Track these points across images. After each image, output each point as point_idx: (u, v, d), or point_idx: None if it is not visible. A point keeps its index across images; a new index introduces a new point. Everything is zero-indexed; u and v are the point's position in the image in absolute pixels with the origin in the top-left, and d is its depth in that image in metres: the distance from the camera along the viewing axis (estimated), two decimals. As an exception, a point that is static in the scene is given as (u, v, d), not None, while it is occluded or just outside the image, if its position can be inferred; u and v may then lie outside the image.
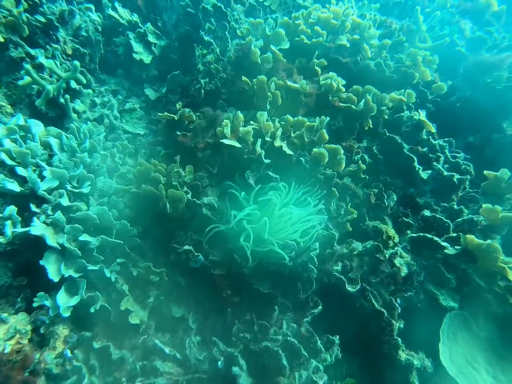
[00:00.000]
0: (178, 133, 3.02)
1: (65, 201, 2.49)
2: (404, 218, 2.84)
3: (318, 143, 2.71)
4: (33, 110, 3.13)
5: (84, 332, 2.60)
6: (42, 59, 2.84)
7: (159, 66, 3.90)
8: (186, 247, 2.71)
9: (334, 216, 2.81)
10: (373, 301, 2.44)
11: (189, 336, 2.66)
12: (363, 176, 2.82)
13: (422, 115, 2.84)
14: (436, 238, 2.48)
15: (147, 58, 3.63)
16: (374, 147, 2.96)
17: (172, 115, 3.01)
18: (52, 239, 2.42)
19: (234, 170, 2.85)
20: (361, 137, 3.07)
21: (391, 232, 2.74)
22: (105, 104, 3.35)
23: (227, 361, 2.29)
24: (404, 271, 2.50)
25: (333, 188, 2.76)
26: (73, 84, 3.22)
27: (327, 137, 2.68)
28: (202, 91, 3.17)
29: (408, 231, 2.85)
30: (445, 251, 2.43)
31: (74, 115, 3.19)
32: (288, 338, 2.23)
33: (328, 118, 2.74)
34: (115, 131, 3.33)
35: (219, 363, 2.29)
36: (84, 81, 3.17)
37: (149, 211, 2.82)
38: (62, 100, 3.10)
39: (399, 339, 2.36)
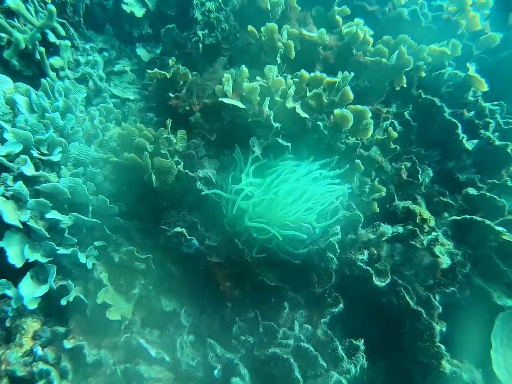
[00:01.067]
0: (170, 95, 2.49)
1: (29, 170, 1.99)
2: (441, 197, 2.29)
3: (340, 104, 2.16)
4: (6, 68, 2.62)
5: (57, 327, 2.12)
6: (8, 1, 2.30)
7: (154, 23, 3.34)
8: (178, 229, 2.21)
9: (357, 194, 2.28)
10: (407, 298, 1.92)
11: (180, 335, 2.17)
12: (393, 146, 2.27)
13: (471, 69, 2.27)
14: (488, 222, 1.94)
15: (139, 12, 3.08)
16: (405, 113, 2.40)
17: (163, 72, 2.47)
18: (12, 216, 1.93)
19: (237, 138, 2.32)
20: (389, 100, 2.51)
21: (426, 214, 2.20)
22: (90, 63, 2.82)
23: (226, 369, 1.81)
24: (446, 261, 1.97)
25: (356, 160, 2.21)
26: (52, 38, 2.70)
27: (351, 96, 2.13)
28: (200, 45, 2.62)
29: (445, 214, 2.31)
30: (503, 237, 1.89)
31: (53, 74, 2.67)
32: (302, 343, 1.73)
33: (352, 74, 2.18)
34: (100, 94, 2.81)
35: (216, 371, 1.80)
36: (63, 32, 2.64)
37: (134, 186, 2.32)
38: (38, 55, 2.58)
39: (442, 347, 1.84)
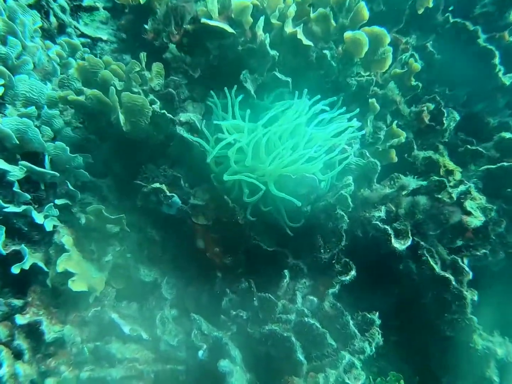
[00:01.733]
0: (146, 27, 2.02)
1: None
2: (468, 146, 1.90)
3: (352, 28, 1.71)
4: None
5: (13, 299, 1.76)
6: None
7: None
8: (156, 184, 1.81)
9: (370, 142, 1.88)
10: (432, 263, 1.56)
11: (161, 309, 1.82)
12: (414, 83, 1.85)
13: (515, -19, 1.82)
14: (533, 170, 1.56)
15: None
16: (428, 44, 1.96)
17: (136, -4, 2.00)
18: None
19: (225, 75, 1.89)
20: (407, 31, 2.07)
21: (451, 165, 1.81)
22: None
23: (213, 349, 1.46)
24: (478, 218, 1.60)
25: (370, 99, 1.80)
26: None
27: (366, 14, 1.69)
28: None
29: (472, 166, 1.92)
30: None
31: None
32: (305, 318, 1.38)
33: (367, -10, 1.73)
34: (64, 30, 2.33)
35: (201, 352, 1.46)
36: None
37: (104, 134, 1.90)
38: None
39: (475, 319, 1.50)
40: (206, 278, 2.01)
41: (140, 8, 2.07)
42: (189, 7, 1.86)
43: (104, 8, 2.71)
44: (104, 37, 2.54)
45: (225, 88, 1.74)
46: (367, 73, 1.82)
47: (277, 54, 1.72)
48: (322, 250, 1.71)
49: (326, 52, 1.73)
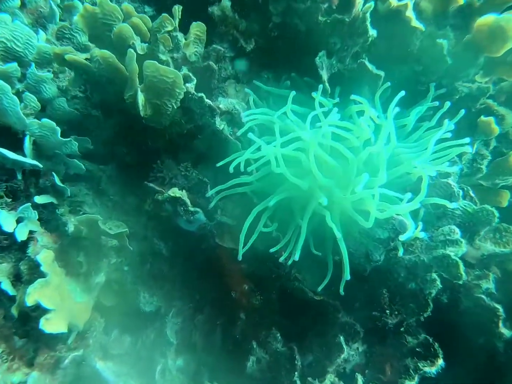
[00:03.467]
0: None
1: None
2: None
3: (487, 9, 1.16)
4: None
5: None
6: None
7: None
8: (175, 191, 1.29)
9: (465, 172, 1.35)
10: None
11: (164, 356, 1.34)
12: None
13: None
14: None
15: None
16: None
17: None
18: None
19: (286, 53, 1.33)
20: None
21: None
22: None
23: None
24: None
25: (484, 118, 1.26)
26: None
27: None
28: None
29: None
30: None
31: None
32: None
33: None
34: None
35: None
36: None
37: (111, 111, 1.35)
38: None
39: None
40: (223, 310, 1.53)
41: None
42: None
43: None
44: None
45: (292, 74, 1.18)
46: (486, 79, 1.27)
47: (375, 35, 1.16)
48: (387, 311, 1.23)
49: (442, 42, 1.17)
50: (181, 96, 1.12)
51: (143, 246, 1.55)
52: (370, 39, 1.15)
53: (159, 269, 1.59)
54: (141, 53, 1.15)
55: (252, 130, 1.37)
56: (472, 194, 1.20)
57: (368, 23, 1.10)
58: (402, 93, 1.18)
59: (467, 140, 1.13)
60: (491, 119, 1.25)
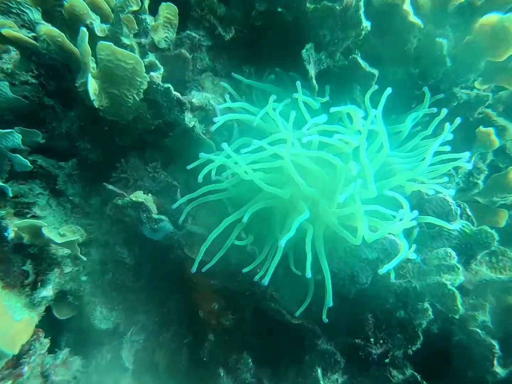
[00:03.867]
0: None
1: None
2: None
3: (490, 7, 1.03)
4: None
5: None
6: None
7: None
8: (139, 196, 1.11)
9: (461, 187, 1.23)
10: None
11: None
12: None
13: None
14: None
15: None
16: None
17: None
18: None
19: (270, 44, 1.18)
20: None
21: None
22: None
23: None
24: None
25: (483, 129, 1.14)
26: None
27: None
28: None
29: None
30: None
31: None
32: None
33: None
34: None
35: None
36: None
37: (72, 101, 1.16)
38: None
39: None
40: (192, 327, 1.37)
41: None
42: None
43: None
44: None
45: (277, 69, 1.04)
46: (485, 86, 1.14)
47: (369, 27, 1.01)
48: (372, 340, 1.08)
49: (442, 41, 1.04)
50: (144, 86, 0.95)
51: (105, 253, 1.38)
52: (363, 32, 1.00)
53: (122, 279, 1.41)
54: (101, 35, 0.98)
55: (230, 127, 1.21)
56: (470, 213, 1.07)
57: (361, 12, 0.96)
58: (389, 90, 1.03)
59: (467, 154, 1.00)
60: (490, 130, 1.12)
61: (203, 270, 1.07)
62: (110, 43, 0.85)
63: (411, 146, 1.10)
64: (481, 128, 1.16)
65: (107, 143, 1.31)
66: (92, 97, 0.88)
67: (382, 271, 0.85)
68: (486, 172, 1.24)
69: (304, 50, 1.02)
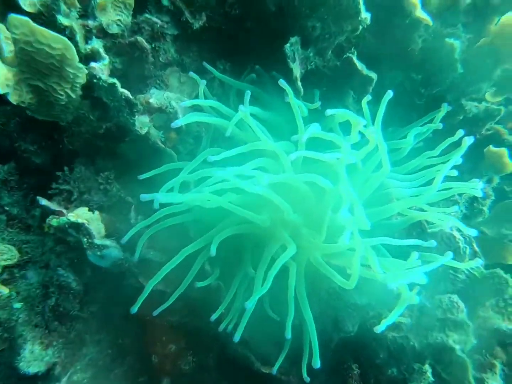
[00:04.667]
0: None
1: None
2: None
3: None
4: None
5: None
6: None
7: None
8: (80, 215, 0.89)
9: (464, 213, 1.05)
10: None
11: None
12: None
13: None
14: None
15: None
16: None
17: None
18: None
19: (247, 37, 0.97)
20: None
21: None
22: None
23: None
24: None
25: (494, 149, 0.96)
26: None
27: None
28: None
29: None
30: None
31: None
32: None
33: None
34: None
35: None
36: None
37: None
38: None
39: None
40: (147, 365, 1.14)
41: None
42: None
43: None
44: None
45: (257, 66, 0.84)
46: (498, 98, 0.96)
47: (369, 20, 0.82)
48: (357, 395, 0.89)
49: (453, 42, 0.85)
50: (80, 80, 0.72)
51: (47, 276, 1.15)
52: (361, 25, 0.80)
53: (66, 306, 1.18)
54: (30, 11, 0.74)
55: (197, 133, 1.00)
56: (476, 248, 0.88)
57: (360, 0, 0.76)
58: (390, 93, 0.84)
59: (480, 185, 0.81)
60: (503, 151, 0.95)
61: (154, 313, 0.85)
62: (26, 18, 0.63)
63: (412, 167, 0.92)
64: (491, 147, 0.98)
65: (55, 146, 1.08)
66: (3, 89, 0.65)
67: (379, 329, 0.65)
68: (493, 197, 1.07)
69: (288, 44, 0.81)
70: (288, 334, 0.75)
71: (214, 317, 0.85)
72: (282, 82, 0.80)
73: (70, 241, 1.04)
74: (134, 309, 0.82)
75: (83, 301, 1.19)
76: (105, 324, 1.22)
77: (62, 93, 0.72)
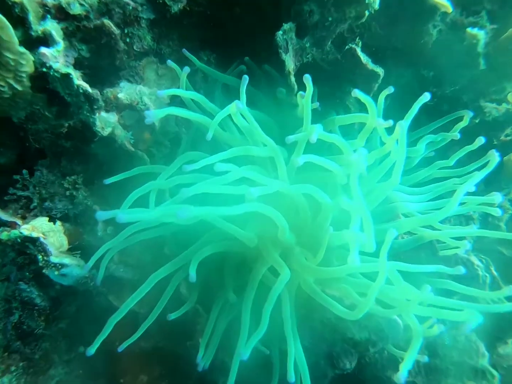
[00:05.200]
0: None
1: None
2: None
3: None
4: None
5: None
6: None
7: None
8: (38, 226, 0.76)
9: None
10: None
11: None
12: None
13: None
14: None
15: None
16: None
17: None
18: None
19: (235, 23, 0.83)
20: None
21: None
22: None
23: None
24: None
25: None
26: None
27: None
28: None
29: None
30: None
31: None
32: None
33: None
34: None
35: None
36: None
37: None
38: None
39: None
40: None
41: None
42: None
43: None
44: None
45: (246, 58, 0.71)
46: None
47: (377, 5, 0.68)
48: None
49: (476, 33, 0.72)
50: (26, 68, 0.59)
51: (9, 290, 1.02)
52: (368, 11, 0.67)
53: (30, 324, 1.05)
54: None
55: (176, 134, 0.86)
56: (495, 272, 0.76)
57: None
58: (391, 89, 0.71)
59: (499, 198, 0.69)
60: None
61: (119, 349, 0.73)
62: None
63: (420, 178, 0.79)
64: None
65: (21, 145, 0.95)
66: None
67: (401, 377, 0.53)
68: (511, 212, 0.94)
69: (280, 32, 0.68)
70: (292, 378, 0.63)
71: (199, 357, 0.73)
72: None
73: (31, 253, 0.92)
74: (91, 350, 0.69)
75: (50, 318, 1.06)
76: (76, 342, 1.10)
77: (2, 83, 0.58)
